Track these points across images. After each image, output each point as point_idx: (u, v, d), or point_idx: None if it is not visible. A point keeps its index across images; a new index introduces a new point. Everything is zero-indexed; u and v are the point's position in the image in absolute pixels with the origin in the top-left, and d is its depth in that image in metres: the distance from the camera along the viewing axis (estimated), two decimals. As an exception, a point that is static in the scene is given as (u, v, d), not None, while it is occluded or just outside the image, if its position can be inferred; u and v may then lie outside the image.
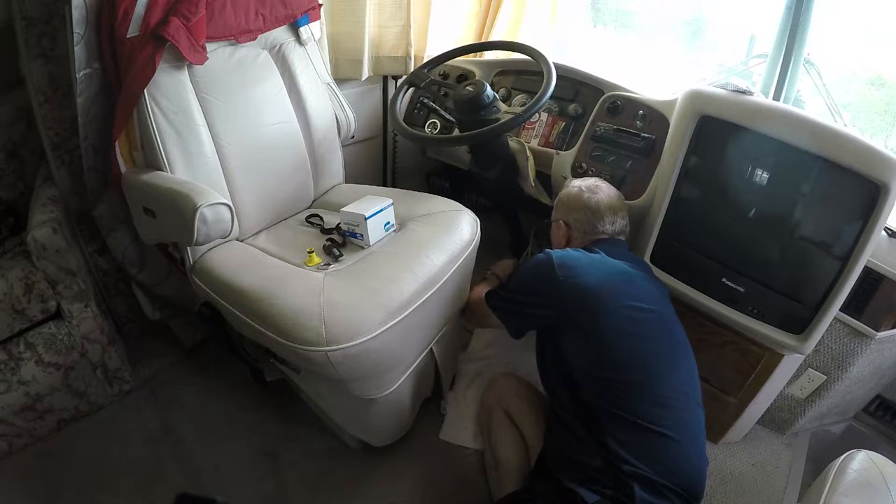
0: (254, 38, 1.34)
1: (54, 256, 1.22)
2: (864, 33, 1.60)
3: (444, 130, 1.64)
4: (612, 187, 1.26)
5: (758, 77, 1.67)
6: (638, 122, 1.39)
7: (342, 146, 1.59)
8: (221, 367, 1.56)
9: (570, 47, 2.19)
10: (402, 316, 1.09)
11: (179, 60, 1.18)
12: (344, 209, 1.24)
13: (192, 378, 1.56)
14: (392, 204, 1.26)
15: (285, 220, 1.45)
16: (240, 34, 1.30)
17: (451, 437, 1.40)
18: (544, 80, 1.30)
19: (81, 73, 1.15)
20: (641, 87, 1.46)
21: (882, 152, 1.00)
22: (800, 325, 1.16)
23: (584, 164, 1.43)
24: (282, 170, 1.39)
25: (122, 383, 1.47)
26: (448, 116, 1.56)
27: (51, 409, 1.36)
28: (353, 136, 1.65)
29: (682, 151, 1.23)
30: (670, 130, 1.29)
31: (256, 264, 1.21)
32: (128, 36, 1.12)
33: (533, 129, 1.57)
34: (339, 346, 1.00)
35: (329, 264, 1.18)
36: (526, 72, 1.63)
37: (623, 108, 1.43)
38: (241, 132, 1.30)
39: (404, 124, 1.50)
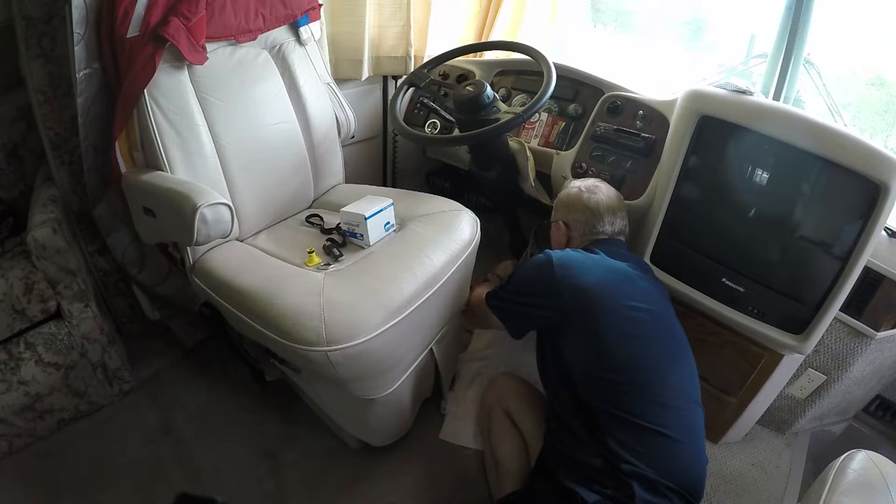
0: (254, 38, 1.34)
1: (54, 256, 1.22)
2: (864, 33, 1.60)
3: (444, 130, 1.64)
4: (611, 188, 1.26)
5: (758, 77, 1.67)
6: (638, 122, 1.39)
7: (342, 146, 1.59)
8: (221, 367, 1.56)
9: (570, 47, 2.19)
10: (402, 316, 1.09)
11: (179, 60, 1.18)
12: (344, 209, 1.24)
13: (192, 378, 1.56)
14: (392, 204, 1.26)
15: (285, 220, 1.45)
16: (240, 34, 1.30)
17: (451, 437, 1.40)
18: (544, 80, 1.30)
19: (81, 73, 1.15)
20: (641, 87, 1.46)
21: (882, 152, 1.00)
22: (800, 325, 1.16)
23: (584, 164, 1.43)
24: (282, 170, 1.39)
25: (122, 383, 1.47)
26: (448, 116, 1.56)
27: (51, 409, 1.36)
28: (353, 136, 1.65)
29: (682, 151, 1.23)
30: (670, 130, 1.29)
31: (256, 264, 1.21)
32: (128, 36, 1.12)
33: (533, 129, 1.57)
34: (339, 346, 1.00)
35: (329, 264, 1.18)
36: (526, 72, 1.63)
37: (623, 108, 1.43)
38: (241, 132, 1.30)
39: (404, 124, 1.50)
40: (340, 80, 1.68)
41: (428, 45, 1.79)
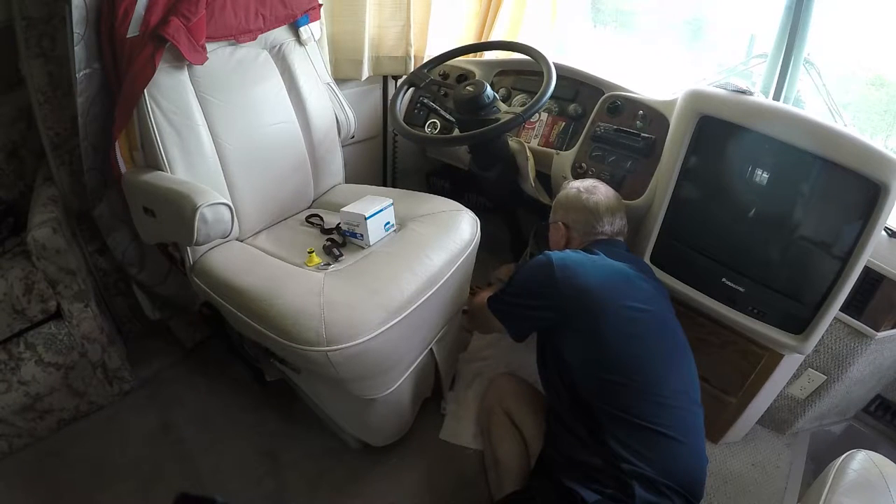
0: (254, 38, 1.34)
1: (54, 256, 1.22)
2: (864, 33, 1.60)
3: (444, 130, 1.64)
4: (609, 188, 1.26)
5: (758, 77, 1.67)
6: (638, 122, 1.39)
7: (342, 146, 1.59)
8: (221, 367, 1.56)
9: (570, 47, 2.19)
10: (402, 316, 1.09)
11: (179, 60, 1.18)
12: (344, 209, 1.24)
13: (192, 378, 1.56)
14: (392, 204, 1.26)
15: (285, 220, 1.45)
16: (240, 34, 1.30)
17: (451, 437, 1.40)
18: (544, 80, 1.30)
19: (81, 73, 1.15)
20: (641, 87, 1.46)
21: (882, 152, 1.00)
22: (800, 325, 1.16)
23: (584, 164, 1.43)
24: (282, 170, 1.39)
25: (122, 383, 1.47)
26: (448, 116, 1.56)
27: (51, 409, 1.36)
28: (353, 136, 1.65)
29: (682, 151, 1.23)
30: (670, 130, 1.29)
31: (256, 264, 1.21)
32: (128, 36, 1.12)
33: (533, 129, 1.57)
34: (339, 346, 1.00)
35: (329, 264, 1.18)
36: (526, 72, 1.63)
37: (623, 108, 1.43)
38: (241, 132, 1.30)
39: (404, 124, 1.50)
40: (340, 80, 1.68)
41: (428, 45, 1.79)
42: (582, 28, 2.25)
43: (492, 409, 1.25)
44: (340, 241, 1.27)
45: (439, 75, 1.73)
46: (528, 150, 1.48)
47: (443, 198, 1.40)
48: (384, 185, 2.06)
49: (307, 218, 1.41)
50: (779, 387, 1.35)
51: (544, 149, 1.53)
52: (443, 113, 1.59)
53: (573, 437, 1.00)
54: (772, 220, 1.17)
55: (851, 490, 0.73)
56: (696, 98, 1.21)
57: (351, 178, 1.64)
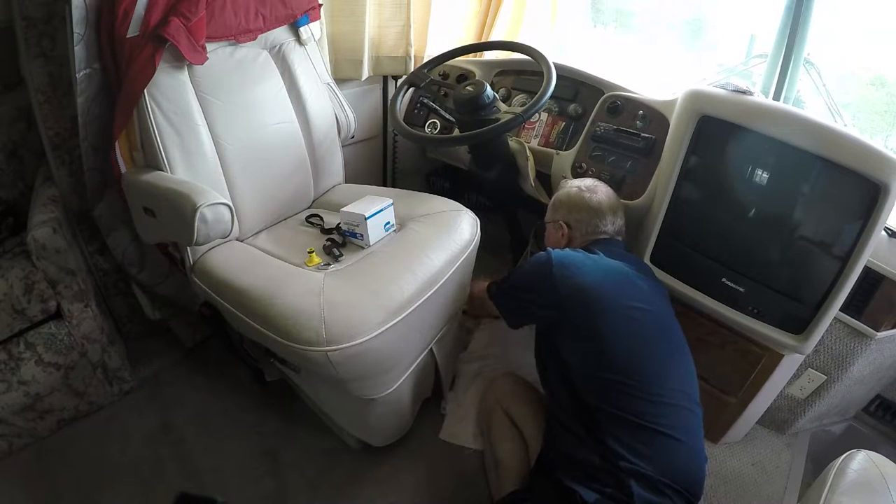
0: (254, 38, 1.34)
1: (54, 256, 1.22)
2: (864, 33, 1.60)
3: (444, 130, 1.64)
4: (608, 187, 1.26)
5: (758, 77, 1.67)
6: (638, 122, 1.39)
7: (342, 146, 1.59)
8: (221, 367, 1.56)
9: (570, 47, 2.19)
10: (402, 316, 1.09)
11: (179, 60, 1.18)
12: (344, 209, 1.24)
13: (192, 378, 1.56)
14: (392, 204, 1.26)
15: (285, 220, 1.45)
16: (240, 34, 1.30)
17: (451, 437, 1.40)
18: (544, 80, 1.30)
19: (81, 73, 1.15)
20: (641, 87, 1.46)
21: (882, 152, 1.00)
22: (800, 325, 1.16)
23: (584, 164, 1.43)
24: (282, 170, 1.39)
25: (122, 383, 1.47)
26: (448, 116, 1.56)
27: (51, 409, 1.36)
28: (353, 136, 1.65)
29: (682, 151, 1.23)
30: (670, 130, 1.29)
31: (256, 264, 1.21)
32: (128, 36, 1.12)
33: (533, 129, 1.57)
34: (339, 346, 1.00)
35: (329, 264, 1.18)
36: (526, 72, 1.63)
37: (623, 108, 1.43)
38: (241, 132, 1.30)
39: (404, 124, 1.50)
40: (340, 80, 1.68)
41: (428, 45, 1.79)
42: (582, 28, 2.25)
43: (492, 409, 1.25)
44: (340, 241, 1.27)
45: (439, 75, 1.73)
46: (528, 150, 1.48)
47: (443, 198, 1.40)
48: (384, 185, 2.06)
49: (307, 218, 1.41)
50: (779, 387, 1.35)
51: (544, 149, 1.53)
52: (443, 113, 1.59)
53: (572, 436, 1.00)
54: (772, 220, 1.17)
55: (851, 490, 0.73)
56: (696, 98, 1.21)
57: (351, 178, 1.64)
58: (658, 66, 2.05)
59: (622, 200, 1.28)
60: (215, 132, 1.25)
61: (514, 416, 1.20)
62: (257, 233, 1.37)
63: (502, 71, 1.68)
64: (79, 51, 1.12)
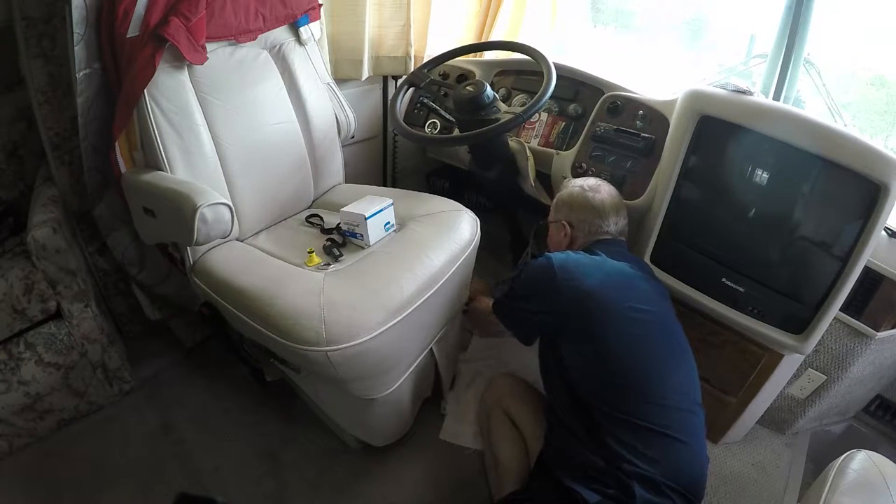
0: (254, 38, 1.34)
1: (54, 256, 1.22)
2: (864, 33, 1.60)
3: (444, 130, 1.64)
4: (612, 186, 1.25)
5: (758, 77, 1.67)
6: (638, 122, 1.39)
7: (342, 146, 1.59)
8: (221, 367, 1.56)
9: (570, 47, 2.19)
10: (402, 316, 1.09)
11: (179, 60, 1.18)
12: (344, 209, 1.24)
13: (192, 378, 1.56)
14: (392, 204, 1.26)
15: (285, 220, 1.45)
16: (240, 34, 1.30)
17: (451, 437, 1.40)
18: (544, 80, 1.30)
19: (81, 73, 1.15)
20: (641, 87, 1.46)
21: (882, 152, 1.00)
22: (800, 325, 1.16)
23: (584, 164, 1.43)
24: (282, 170, 1.39)
25: (122, 383, 1.47)
26: (448, 116, 1.56)
27: (51, 409, 1.36)
28: (353, 136, 1.65)
29: (682, 151, 1.23)
30: (670, 130, 1.29)
31: (256, 264, 1.21)
32: (128, 36, 1.12)
33: (533, 129, 1.57)
34: (339, 346, 1.00)
35: (329, 264, 1.18)
36: (526, 72, 1.63)
37: (623, 108, 1.43)
38: (241, 132, 1.30)
39: (404, 124, 1.50)
40: (340, 80, 1.68)
41: (428, 45, 1.79)
42: (582, 28, 2.25)
43: (492, 409, 1.25)
44: (340, 241, 1.27)
45: (439, 75, 1.73)
46: (528, 150, 1.48)
47: (443, 198, 1.40)
48: (384, 185, 2.06)
49: (307, 218, 1.41)
50: (779, 387, 1.35)
51: (544, 149, 1.53)
52: (443, 113, 1.59)
53: (574, 437, 0.99)
54: (772, 220, 1.17)
55: (851, 490, 0.73)
56: (696, 98, 1.21)
57: (351, 178, 1.64)
58: (658, 66, 2.05)
59: (623, 201, 1.28)
60: (215, 132, 1.25)
61: (513, 416, 1.20)
62: (257, 233, 1.37)
63: (502, 71, 1.68)
64: (79, 51, 1.12)
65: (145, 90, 1.14)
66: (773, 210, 1.17)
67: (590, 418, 0.97)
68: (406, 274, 1.13)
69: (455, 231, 1.27)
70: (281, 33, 1.42)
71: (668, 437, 0.94)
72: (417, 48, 1.79)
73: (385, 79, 1.88)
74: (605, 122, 1.44)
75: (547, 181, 1.53)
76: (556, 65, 1.33)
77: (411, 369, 1.24)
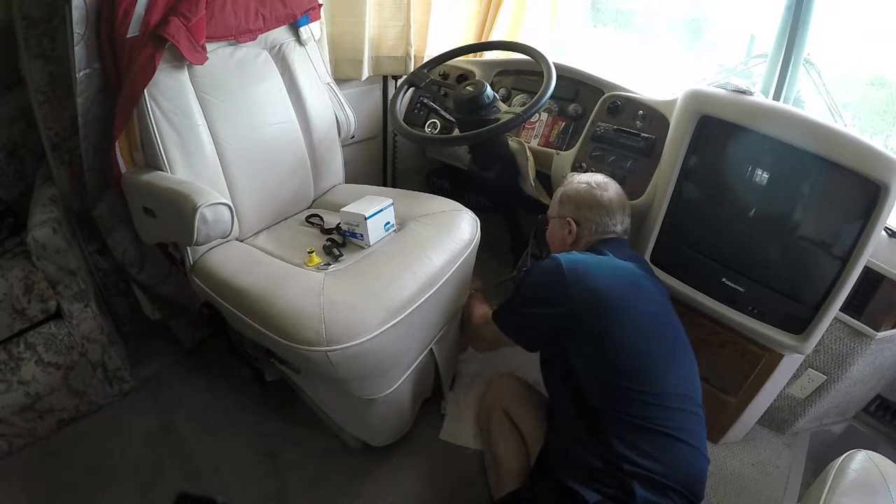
0: (254, 38, 1.34)
1: (54, 256, 1.22)
2: (864, 33, 1.60)
3: (444, 130, 1.64)
4: (617, 184, 1.22)
5: (758, 77, 1.67)
6: (638, 122, 1.39)
7: (342, 146, 1.59)
8: (221, 367, 1.56)
9: (570, 47, 2.19)
10: (402, 316, 1.09)
11: (179, 60, 1.18)
12: (344, 209, 1.24)
13: (192, 378, 1.56)
14: (392, 204, 1.26)
15: (285, 220, 1.45)
16: (240, 34, 1.30)
17: (451, 437, 1.40)
18: (544, 80, 1.30)
19: (81, 73, 1.15)
20: (641, 87, 1.46)
21: (882, 152, 1.00)
22: (800, 325, 1.16)
23: (584, 164, 1.43)
24: (282, 170, 1.39)
25: (122, 383, 1.47)
26: (448, 116, 1.56)
27: (51, 409, 1.36)
28: (353, 136, 1.65)
29: (682, 151, 1.23)
30: (670, 130, 1.29)
31: (256, 264, 1.21)
32: (128, 36, 1.12)
33: (533, 129, 1.58)
34: (339, 346, 1.00)
35: (329, 264, 1.18)
36: (526, 72, 1.63)
37: (623, 108, 1.43)
38: (241, 132, 1.30)
39: (404, 124, 1.50)
40: (340, 80, 1.68)
41: (428, 45, 1.79)
42: (582, 28, 2.25)
43: (491, 409, 1.24)
44: (340, 241, 1.27)
45: (439, 75, 1.73)
46: (528, 150, 1.48)
47: (443, 198, 1.40)
48: (384, 185, 2.06)
49: (307, 218, 1.41)
50: (779, 387, 1.35)
51: (544, 149, 1.53)
52: (443, 113, 1.59)
53: (575, 438, 0.99)
54: (772, 220, 1.17)
55: (851, 490, 0.73)
56: (696, 98, 1.21)
57: (351, 178, 1.64)
58: (658, 66, 2.06)
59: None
60: (215, 132, 1.25)
61: (513, 416, 1.20)
62: (257, 233, 1.37)
63: (502, 71, 1.68)
64: (79, 51, 1.12)
65: (145, 90, 1.14)
66: (773, 210, 1.17)
67: (593, 419, 0.97)
68: (406, 274, 1.13)
69: (455, 231, 1.27)
70: (281, 33, 1.42)
71: (670, 438, 0.94)
72: (417, 48, 1.79)
73: (385, 79, 1.88)
74: (605, 122, 1.44)
75: (547, 181, 1.53)
76: (556, 65, 1.33)
77: (411, 369, 1.24)
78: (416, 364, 1.25)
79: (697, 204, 1.27)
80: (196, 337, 1.64)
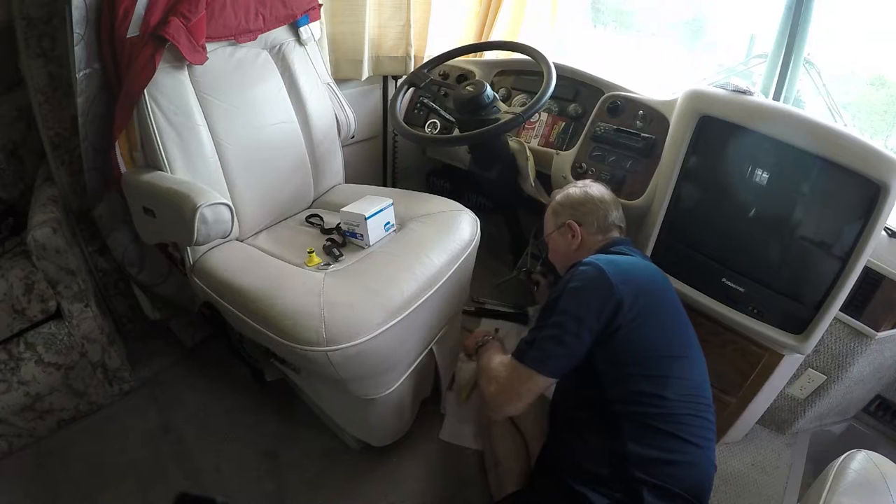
0: (254, 38, 1.34)
1: (54, 256, 1.22)
2: (864, 33, 1.60)
3: (444, 130, 1.65)
4: (598, 183, 1.24)
5: (758, 77, 1.67)
6: (638, 122, 1.39)
7: (342, 146, 1.59)
8: (221, 367, 1.56)
9: (570, 47, 2.20)
10: (402, 316, 1.09)
11: (179, 60, 1.18)
12: (344, 209, 1.24)
13: (192, 378, 1.56)
14: (392, 204, 1.26)
15: (285, 220, 1.45)
16: (240, 34, 1.30)
17: (451, 437, 1.40)
18: (544, 80, 1.30)
19: (81, 73, 1.15)
20: (641, 87, 1.46)
21: (882, 152, 1.00)
22: (800, 325, 1.16)
23: (584, 164, 1.43)
24: (282, 170, 1.39)
25: (122, 383, 1.47)
26: (448, 116, 1.56)
27: (51, 409, 1.36)
28: (353, 136, 1.65)
29: (682, 151, 1.23)
30: (670, 130, 1.29)
31: (256, 264, 1.21)
32: (128, 36, 1.12)
33: (533, 129, 1.58)
34: (339, 346, 1.00)
35: (329, 264, 1.18)
36: (526, 72, 1.63)
37: (623, 108, 1.43)
38: (241, 132, 1.30)
39: (404, 124, 1.50)
40: (340, 80, 1.68)
41: (428, 45, 1.79)
42: (582, 28, 2.26)
43: (492, 409, 1.24)
44: (340, 241, 1.27)
45: (439, 75, 1.73)
46: (528, 150, 1.48)
47: (443, 198, 1.40)
48: (384, 185, 2.07)
49: (307, 218, 1.41)
50: (779, 387, 1.35)
51: (544, 149, 1.53)
52: (443, 113, 1.59)
53: (583, 440, 0.97)
54: (772, 220, 1.17)
55: (851, 490, 0.73)
56: (696, 98, 1.21)
57: (351, 178, 1.64)
58: (658, 67, 2.06)
59: (622, 200, 1.27)
60: (215, 132, 1.25)
61: (514, 416, 1.20)
62: (257, 233, 1.37)
63: (502, 71, 1.68)
64: (79, 51, 1.12)
65: (145, 90, 1.14)
66: (773, 210, 1.17)
67: (609, 423, 0.94)
68: (406, 274, 1.13)
69: (455, 231, 1.27)
70: (281, 33, 1.42)
71: (686, 443, 0.92)
72: (417, 48, 1.79)
73: (385, 79, 1.88)
74: (605, 122, 1.44)
75: (547, 181, 1.53)
76: (556, 65, 1.34)
77: (411, 369, 1.24)
78: (415, 364, 1.25)
79: (697, 204, 1.27)
80: (196, 337, 1.64)
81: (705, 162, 1.23)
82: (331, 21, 1.62)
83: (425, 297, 1.14)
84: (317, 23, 1.48)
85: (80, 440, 1.38)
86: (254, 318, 1.09)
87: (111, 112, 1.19)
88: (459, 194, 1.77)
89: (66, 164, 1.35)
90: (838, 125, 1.17)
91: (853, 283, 1.08)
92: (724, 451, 1.41)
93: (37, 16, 1.22)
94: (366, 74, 1.75)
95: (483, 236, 1.34)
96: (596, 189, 1.19)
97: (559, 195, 1.23)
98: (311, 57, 1.48)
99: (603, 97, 1.47)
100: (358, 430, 1.33)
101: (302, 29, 1.44)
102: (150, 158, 1.19)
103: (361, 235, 1.23)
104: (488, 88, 1.35)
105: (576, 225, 1.16)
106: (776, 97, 1.56)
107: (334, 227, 1.31)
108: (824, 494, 0.73)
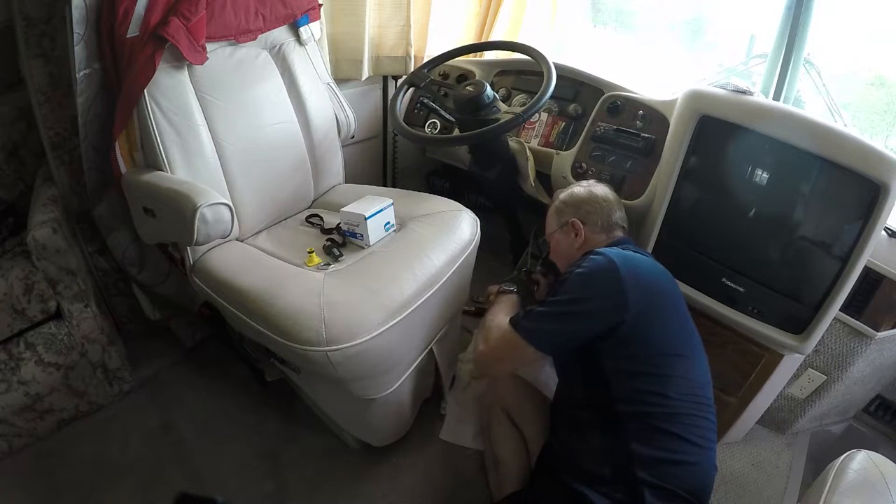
0: (254, 38, 1.34)
1: (54, 256, 1.22)
2: (864, 33, 1.60)
3: (444, 130, 1.65)
4: (601, 184, 1.23)
5: (758, 77, 1.67)
6: (638, 122, 1.39)
7: (342, 146, 1.59)
8: (221, 367, 1.56)
9: (570, 47, 2.20)
10: (402, 316, 1.09)
11: (179, 60, 1.18)
12: (344, 209, 1.24)
13: (192, 378, 1.56)
14: (392, 204, 1.26)
15: (285, 220, 1.45)
16: (240, 34, 1.30)
17: (451, 437, 1.40)
18: (544, 80, 1.30)
19: (81, 73, 1.15)
20: (641, 87, 1.46)
21: (882, 152, 1.00)
22: (800, 325, 1.16)
23: (584, 164, 1.43)
24: (282, 170, 1.39)
25: (122, 383, 1.47)
26: (448, 116, 1.56)
27: (51, 409, 1.36)
28: (353, 136, 1.65)
29: (682, 151, 1.23)
30: (670, 130, 1.29)
31: (256, 264, 1.21)
32: (128, 36, 1.12)
33: (533, 129, 1.58)
34: (339, 346, 1.00)
35: (329, 264, 1.18)
36: (526, 72, 1.63)
37: (623, 108, 1.43)
38: (241, 132, 1.30)
39: (404, 124, 1.50)
40: (340, 80, 1.68)
41: (428, 45, 1.79)
42: (582, 28, 2.26)
43: (492, 409, 1.24)
44: (340, 241, 1.27)
45: (439, 75, 1.73)
46: (528, 150, 1.48)
47: (443, 198, 1.40)
48: (384, 185, 2.07)
49: (307, 218, 1.41)
50: (779, 387, 1.35)
51: (544, 149, 1.53)
52: (443, 113, 1.59)
53: (585, 444, 0.97)
54: (772, 220, 1.17)
55: (851, 490, 0.73)
56: (696, 98, 1.21)
57: (351, 178, 1.64)
58: (658, 66, 2.06)
59: (622, 200, 1.27)
60: (215, 132, 1.25)
61: (514, 416, 1.20)
62: (257, 233, 1.37)
63: (502, 71, 1.68)
64: (79, 51, 1.12)
65: (145, 90, 1.14)
66: (773, 210, 1.17)
67: (613, 422, 0.94)
68: (406, 274, 1.13)
69: (455, 231, 1.27)
70: (281, 33, 1.42)
71: (690, 444, 0.92)
72: (417, 48, 1.79)
73: (385, 79, 1.88)
74: (605, 122, 1.44)
75: (547, 181, 1.53)
76: (556, 65, 1.34)
77: (411, 369, 1.24)
78: (415, 364, 1.25)
79: (697, 204, 1.27)
80: (196, 337, 1.64)
81: (705, 162, 1.23)
82: (331, 21, 1.62)
83: (425, 297, 1.14)
84: (317, 23, 1.48)
85: (80, 440, 1.38)
86: (254, 318, 1.09)
87: (111, 112, 1.19)
88: (459, 194, 1.77)
89: (66, 164, 1.35)
90: (838, 125, 1.17)
91: (853, 283, 1.08)
92: (724, 451, 1.41)
93: (37, 16, 1.22)
94: (366, 74, 1.75)
95: (483, 236, 1.34)
96: (600, 189, 1.19)
97: (563, 194, 1.23)
98: (311, 57, 1.48)
99: (603, 97, 1.47)
100: (358, 430, 1.33)
101: (302, 29, 1.44)
102: (150, 158, 1.19)
103: (361, 235, 1.23)
104: (488, 88, 1.35)
105: (579, 223, 1.15)
106: (776, 97, 1.56)
107: (334, 227, 1.31)
108: (824, 494, 0.73)
